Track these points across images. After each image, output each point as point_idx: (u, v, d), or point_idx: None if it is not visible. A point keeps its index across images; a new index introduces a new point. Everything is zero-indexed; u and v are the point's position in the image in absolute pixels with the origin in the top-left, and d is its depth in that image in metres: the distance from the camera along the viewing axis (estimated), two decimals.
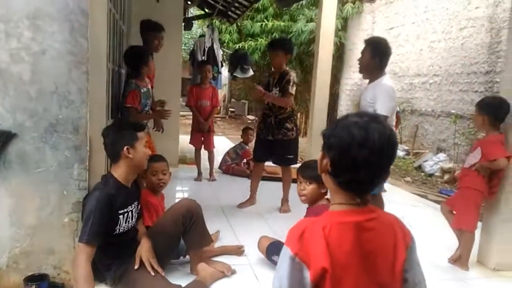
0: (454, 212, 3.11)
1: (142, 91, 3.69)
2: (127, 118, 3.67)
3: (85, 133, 2.32)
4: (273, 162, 4.33)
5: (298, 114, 11.73)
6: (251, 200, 4.26)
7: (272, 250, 2.73)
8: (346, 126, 1.09)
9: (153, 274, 2.25)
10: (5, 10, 2.18)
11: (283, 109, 4.00)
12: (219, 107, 5.37)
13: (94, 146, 2.41)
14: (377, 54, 3.09)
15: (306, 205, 2.56)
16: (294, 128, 4.06)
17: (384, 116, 2.93)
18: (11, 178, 2.27)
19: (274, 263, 2.53)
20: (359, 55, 3.23)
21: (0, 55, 2.20)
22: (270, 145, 4.09)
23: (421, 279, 1.17)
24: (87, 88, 2.30)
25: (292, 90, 3.93)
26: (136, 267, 2.26)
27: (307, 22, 10.66)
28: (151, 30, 4.06)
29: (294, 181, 4.50)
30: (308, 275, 1.03)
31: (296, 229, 1.10)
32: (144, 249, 2.31)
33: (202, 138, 5.25)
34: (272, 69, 4.30)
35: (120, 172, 2.27)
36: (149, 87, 3.88)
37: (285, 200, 4.16)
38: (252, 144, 5.75)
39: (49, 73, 2.25)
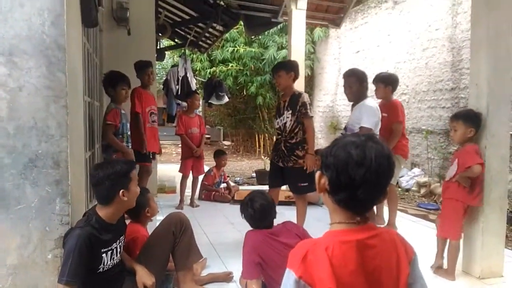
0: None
1: (122, 112, 3.87)
2: (110, 151, 3.74)
3: (66, 167, 2.29)
4: (290, 190, 4.12)
5: (273, 138, 11.87)
6: None
7: None
8: (343, 146, 1.10)
9: None
10: None
11: (295, 134, 3.76)
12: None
13: (74, 180, 2.38)
14: (364, 81, 3.70)
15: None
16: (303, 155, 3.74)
17: (368, 128, 3.47)
18: None
19: None
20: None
21: None
22: (282, 172, 3.87)
23: None
24: (66, 122, 2.28)
25: (311, 112, 3.77)
26: None
27: (278, 49, 10.94)
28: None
29: (310, 203, 4.55)
30: None
31: (298, 251, 1.10)
32: (145, 276, 2.29)
33: (192, 165, 5.33)
34: (281, 93, 4.12)
35: (106, 212, 2.22)
36: (125, 112, 4.02)
37: None
38: (226, 168, 5.82)
39: (27, 108, 2.23)
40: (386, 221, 4.32)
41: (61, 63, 2.26)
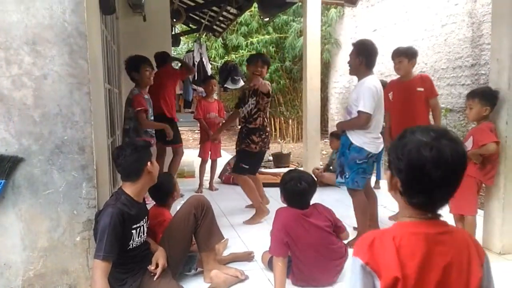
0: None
1: (145, 97, 3.92)
2: (133, 135, 3.83)
3: (91, 152, 2.36)
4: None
5: (289, 122, 11.86)
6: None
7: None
8: (415, 147, 1.04)
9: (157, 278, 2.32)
10: (4, 38, 2.22)
11: (253, 120, 3.98)
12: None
13: (98, 165, 2.46)
14: (360, 54, 3.24)
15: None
16: (260, 144, 3.98)
17: (367, 114, 3.12)
18: (20, 203, 2.30)
19: None
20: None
21: (1, 82, 2.24)
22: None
23: None
24: (90, 108, 2.34)
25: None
26: (152, 268, 2.33)
27: (298, 37, 10.86)
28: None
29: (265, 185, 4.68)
30: (379, 285, 1.03)
31: (365, 239, 1.10)
32: (162, 255, 2.39)
33: (210, 149, 5.40)
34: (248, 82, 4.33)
35: (134, 189, 2.33)
36: (149, 97, 4.08)
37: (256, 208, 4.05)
38: None
39: (52, 96, 2.29)
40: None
41: (83, 50, 2.31)
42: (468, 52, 7.01)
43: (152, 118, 4.15)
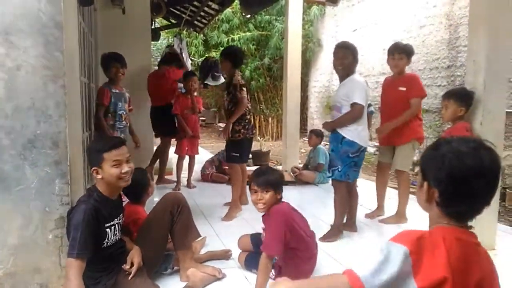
0: None
1: (113, 91, 3.86)
2: (99, 134, 3.75)
3: (65, 147, 2.29)
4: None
5: (268, 120, 11.87)
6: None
7: (250, 263, 2.75)
8: (457, 157, 1.04)
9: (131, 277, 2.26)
10: None
11: (231, 113, 4.07)
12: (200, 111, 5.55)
13: (72, 160, 2.39)
14: (353, 54, 3.41)
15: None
16: (242, 131, 4.08)
17: (361, 105, 3.26)
18: None
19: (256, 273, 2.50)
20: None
21: None
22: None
23: None
24: (65, 102, 2.27)
25: (242, 93, 4.02)
26: (127, 267, 2.27)
27: (282, 38, 10.83)
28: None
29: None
30: (412, 281, 1.01)
31: (412, 232, 1.08)
32: (137, 254, 2.33)
33: (187, 146, 5.36)
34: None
35: (101, 187, 2.25)
36: (124, 92, 4.01)
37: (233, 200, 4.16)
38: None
39: (25, 88, 2.21)
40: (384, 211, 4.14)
41: (59, 41, 2.24)
42: (445, 54, 7.16)
43: (121, 112, 4.03)
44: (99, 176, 2.20)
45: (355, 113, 3.27)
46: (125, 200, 2.74)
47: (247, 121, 4.16)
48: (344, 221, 3.59)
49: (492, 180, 1.05)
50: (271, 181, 2.48)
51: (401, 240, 1.05)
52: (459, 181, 1.03)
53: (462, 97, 3.11)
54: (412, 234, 1.07)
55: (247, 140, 4.21)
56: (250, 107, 4.28)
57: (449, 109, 3.14)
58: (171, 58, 5.79)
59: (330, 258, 3.03)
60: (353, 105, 3.26)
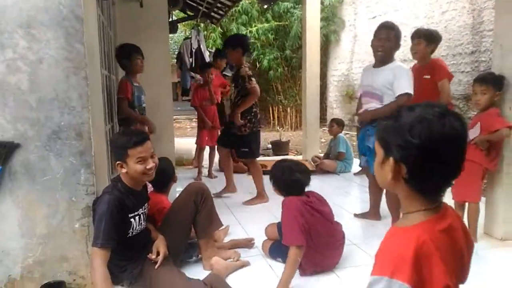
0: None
1: (134, 84, 3.82)
2: (124, 127, 3.74)
3: (88, 138, 2.32)
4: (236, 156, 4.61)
5: (287, 110, 11.81)
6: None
7: (275, 251, 2.76)
8: (424, 125, 0.94)
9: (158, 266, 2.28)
10: None
11: (237, 106, 4.05)
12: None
13: (96, 151, 2.41)
14: (397, 38, 3.24)
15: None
16: (248, 125, 4.04)
17: (410, 95, 3.04)
18: (17, 189, 2.27)
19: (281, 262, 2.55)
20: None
21: None
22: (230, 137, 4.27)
23: None
24: (87, 93, 2.30)
25: (252, 83, 4.00)
26: (153, 256, 2.29)
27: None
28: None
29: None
30: None
31: (402, 257, 0.92)
32: (162, 243, 2.35)
33: (207, 137, 5.41)
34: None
35: (125, 179, 2.28)
36: (140, 85, 3.98)
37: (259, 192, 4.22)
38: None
39: (48, 81, 2.24)
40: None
41: (79, 34, 2.25)
42: (469, 39, 6.96)
43: (144, 105, 4.02)
44: (123, 170, 2.22)
45: (406, 104, 3.05)
46: (150, 188, 2.77)
47: (253, 114, 4.09)
48: (368, 209, 3.55)
49: (462, 146, 0.98)
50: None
51: (394, 272, 0.90)
52: (429, 152, 0.93)
53: (498, 82, 3.03)
54: (404, 261, 0.91)
55: (253, 134, 4.14)
56: (257, 101, 4.21)
57: (487, 94, 3.01)
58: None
59: (355, 246, 3.01)
60: (403, 95, 3.02)
